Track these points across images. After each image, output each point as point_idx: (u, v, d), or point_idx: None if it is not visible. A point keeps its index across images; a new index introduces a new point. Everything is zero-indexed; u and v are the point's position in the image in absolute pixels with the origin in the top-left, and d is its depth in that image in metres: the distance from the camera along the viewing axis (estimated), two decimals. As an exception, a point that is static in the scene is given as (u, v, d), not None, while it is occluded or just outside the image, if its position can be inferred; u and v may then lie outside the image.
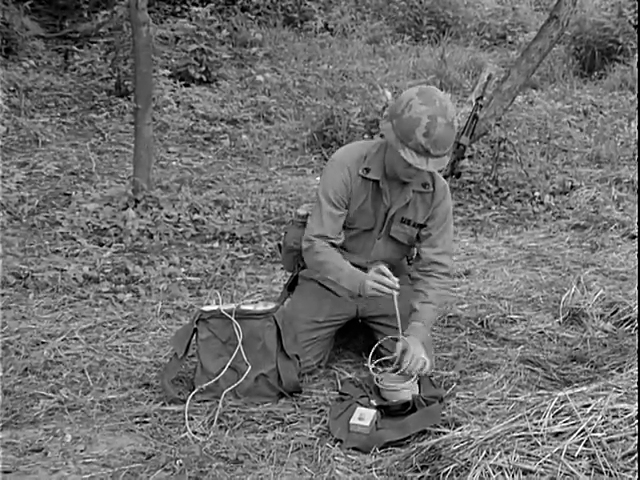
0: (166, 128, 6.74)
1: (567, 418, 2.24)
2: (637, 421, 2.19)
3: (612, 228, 4.82)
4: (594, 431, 2.18)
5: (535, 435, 2.21)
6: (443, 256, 3.00)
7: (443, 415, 2.61)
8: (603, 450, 2.14)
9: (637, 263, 4.05)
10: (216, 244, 4.45)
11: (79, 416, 2.65)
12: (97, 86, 7.48)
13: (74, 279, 3.78)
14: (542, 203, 5.29)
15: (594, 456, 2.13)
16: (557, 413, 2.27)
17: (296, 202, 5.10)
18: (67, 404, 2.72)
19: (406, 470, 2.32)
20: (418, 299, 2.95)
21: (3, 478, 2.29)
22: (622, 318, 3.46)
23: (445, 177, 3.70)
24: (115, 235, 4.42)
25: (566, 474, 2.09)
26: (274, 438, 2.53)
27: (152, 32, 5.17)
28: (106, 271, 3.94)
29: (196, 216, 4.75)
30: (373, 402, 2.68)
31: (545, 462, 2.12)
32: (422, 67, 8.72)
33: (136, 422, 2.61)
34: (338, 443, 2.50)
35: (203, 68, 7.91)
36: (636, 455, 2.12)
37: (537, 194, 5.35)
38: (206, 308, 2.88)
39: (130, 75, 6.86)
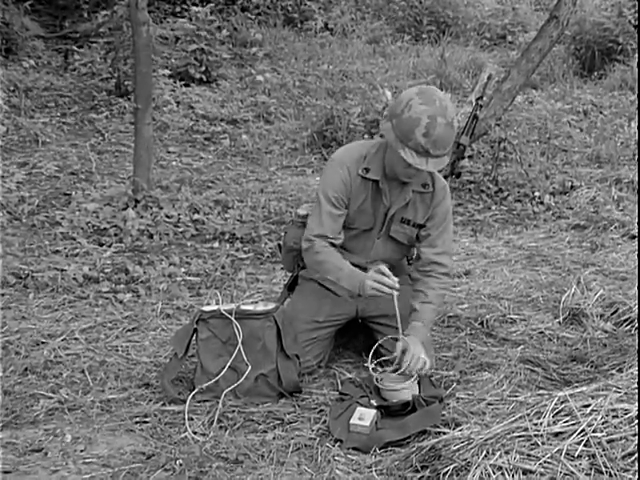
0: (166, 128, 6.74)
1: (567, 418, 2.24)
2: (637, 421, 2.19)
3: (612, 228, 4.82)
4: (594, 431, 2.18)
5: (535, 435, 2.21)
6: (443, 256, 3.00)
7: (443, 415, 2.61)
8: (603, 450, 2.14)
9: (637, 263, 4.05)
10: (216, 244, 4.45)
11: (79, 416, 2.65)
12: (97, 86, 7.48)
13: (74, 279, 3.78)
14: (542, 203, 5.29)
15: (594, 456, 2.13)
16: (557, 413, 2.27)
17: (296, 202, 5.10)
18: (67, 404, 2.72)
19: (406, 470, 2.32)
20: (418, 299, 2.95)
21: (3, 478, 2.29)
22: (622, 318, 3.46)
23: (445, 177, 3.69)
24: (115, 235, 4.42)
25: (566, 474, 2.09)
26: (274, 438, 2.53)
27: (152, 32, 5.17)
28: (106, 271, 3.94)
29: (196, 216, 4.75)
30: (373, 402, 2.68)
31: (545, 462, 2.12)
32: (422, 67, 8.72)
33: (136, 422, 2.61)
34: (338, 443, 2.50)
35: (203, 68, 7.92)
36: (636, 455, 2.12)
37: (537, 194, 5.35)
38: (206, 308, 2.88)
39: (130, 75, 6.86)
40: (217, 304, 2.88)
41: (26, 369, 2.95)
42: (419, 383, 2.74)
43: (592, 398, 2.30)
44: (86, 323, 3.38)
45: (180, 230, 4.58)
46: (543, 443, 2.18)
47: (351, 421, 2.54)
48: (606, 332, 3.39)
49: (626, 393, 2.32)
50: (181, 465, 2.34)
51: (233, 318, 2.77)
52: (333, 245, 2.95)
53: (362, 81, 7.83)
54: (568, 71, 9.06)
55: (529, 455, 2.15)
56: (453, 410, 2.66)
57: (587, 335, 3.36)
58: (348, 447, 2.48)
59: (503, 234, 4.85)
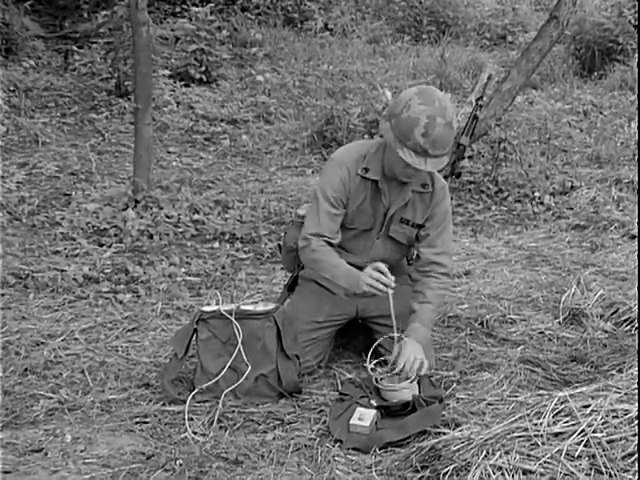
0: (166, 128, 6.75)
1: (567, 418, 2.24)
2: (637, 421, 2.19)
3: (612, 228, 4.82)
4: (594, 431, 2.18)
5: (535, 435, 2.20)
6: (442, 256, 3.00)
7: (443, 415, 2.61)
8: (603, 450, 2.14)
9: (637, 263, 4.05)
10: (216, 244, 4.46)
11: (79, 416, 2.65)
12: (97, 86, 7.49)
13: (74, 279, 3.78)
14: (542, 203, 5.29)
15: (594, 456, 2.13)
16: (557, 413, 2.27)
17: (296, 202, 5.11)
18: (67, 404, 2.72)
19: (406, 470, 2.32)
20: (417, 299, 2.95)
21: (3, 478, 2.29)
22: (622, 318, 3.45)
23: (445, 177, 3.69)
24: (115, 235, 4.42)
25: (566, 474, 2.09)
26: (274, 438, 2.53)
27: (152, 32, 5.16)
28: (106, 271, 3.94)
29: (196, 216, 4.75)
30: (373, 402, 2.68)
31: (545, 462, 2.12)
32: (422, 67, 8.73)
33: (136, 422, 2.61)
34: (338, 443, 2.49)
35: (203, 68, 7.92)
36: (636, 455, 2.12)
37: (537, 194, 5.36)
38: (206, 308, 2.88)
39: (130, 75, 6.87)
40: (217, 304, 2.87)
41: (26, 369, 2.95)
42: (419, 383, 2.74)
43: (592, 398, 2.30)
44: (86, 323, 3.39)
45: (180, 230, 4.58)
46: (543, 443, 2.18)
47: (351, 421, 2.54)
48: (606, 332, 3.39)
49: (626, 393, 2.31)
50: (181, 465, 2.34)
51: (233, 318, 2.77)
52: (330, 244, 2.94)
53: (362, 81, 7.83)
54: (568, 71, 9.06)
55: (529, 455, 2.15)
56: (453, 410, 2.66)
57: (587, 335, 3.36)
58: (348, 447, 2.47)
59: (503, 234, 4.85)
